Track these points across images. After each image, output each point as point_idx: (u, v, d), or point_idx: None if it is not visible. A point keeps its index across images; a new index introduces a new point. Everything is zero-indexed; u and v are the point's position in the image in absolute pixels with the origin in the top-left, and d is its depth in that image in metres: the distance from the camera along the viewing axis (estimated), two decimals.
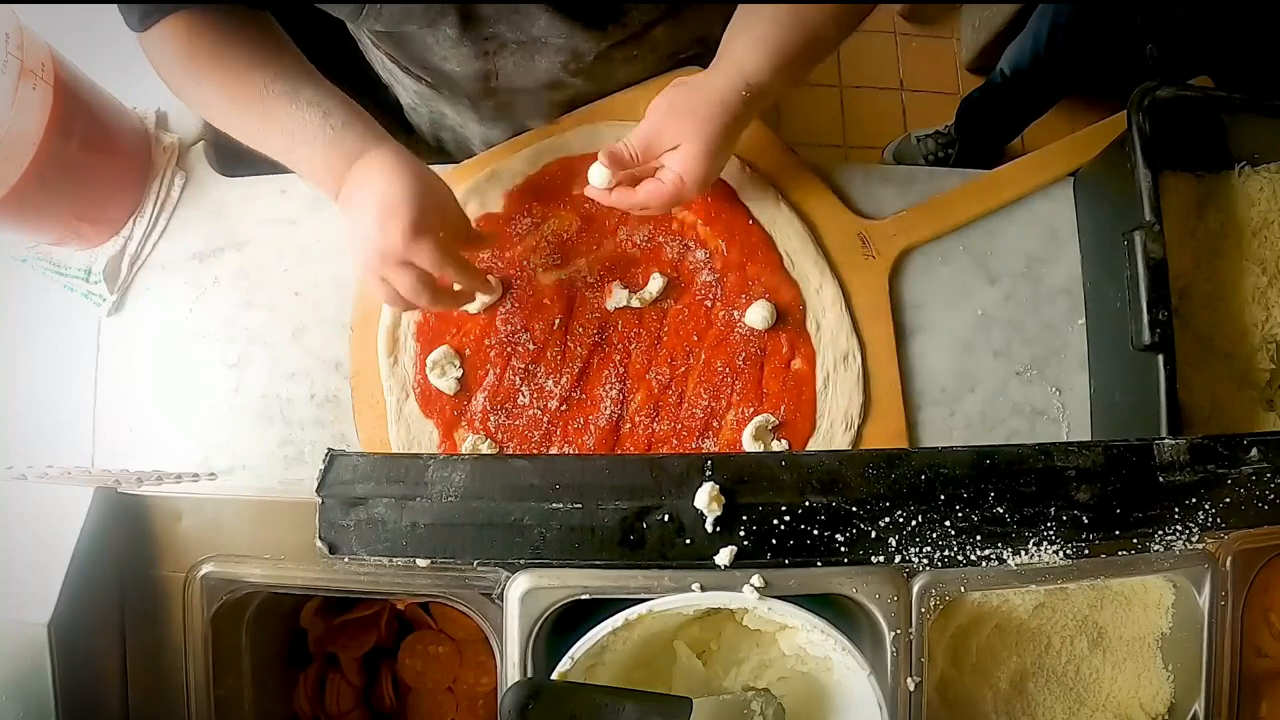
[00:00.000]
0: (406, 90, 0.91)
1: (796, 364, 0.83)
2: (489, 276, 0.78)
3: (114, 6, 0.73)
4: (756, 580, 0.57)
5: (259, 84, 0.69)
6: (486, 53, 0.77)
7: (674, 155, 0.71)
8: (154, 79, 0.90)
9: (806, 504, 0.57)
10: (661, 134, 0.72)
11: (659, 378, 0.83)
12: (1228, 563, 0.59)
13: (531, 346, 0.83)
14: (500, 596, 0.58)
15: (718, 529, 0.57)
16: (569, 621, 0.58)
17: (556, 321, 0.83)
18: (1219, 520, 0.59)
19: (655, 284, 0.83)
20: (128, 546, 0.60)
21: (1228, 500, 0.59)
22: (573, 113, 0.88)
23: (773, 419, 0.82)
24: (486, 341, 0.83)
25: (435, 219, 0.68)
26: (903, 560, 0.58)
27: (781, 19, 0.71)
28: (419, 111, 0.96)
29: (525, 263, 0.84)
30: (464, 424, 0.82)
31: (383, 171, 0.67)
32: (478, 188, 0.85)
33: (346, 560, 0.58)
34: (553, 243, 0.85)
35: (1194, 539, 0.59)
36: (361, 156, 0.69)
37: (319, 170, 0.70)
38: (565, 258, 0.84)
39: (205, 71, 0.70)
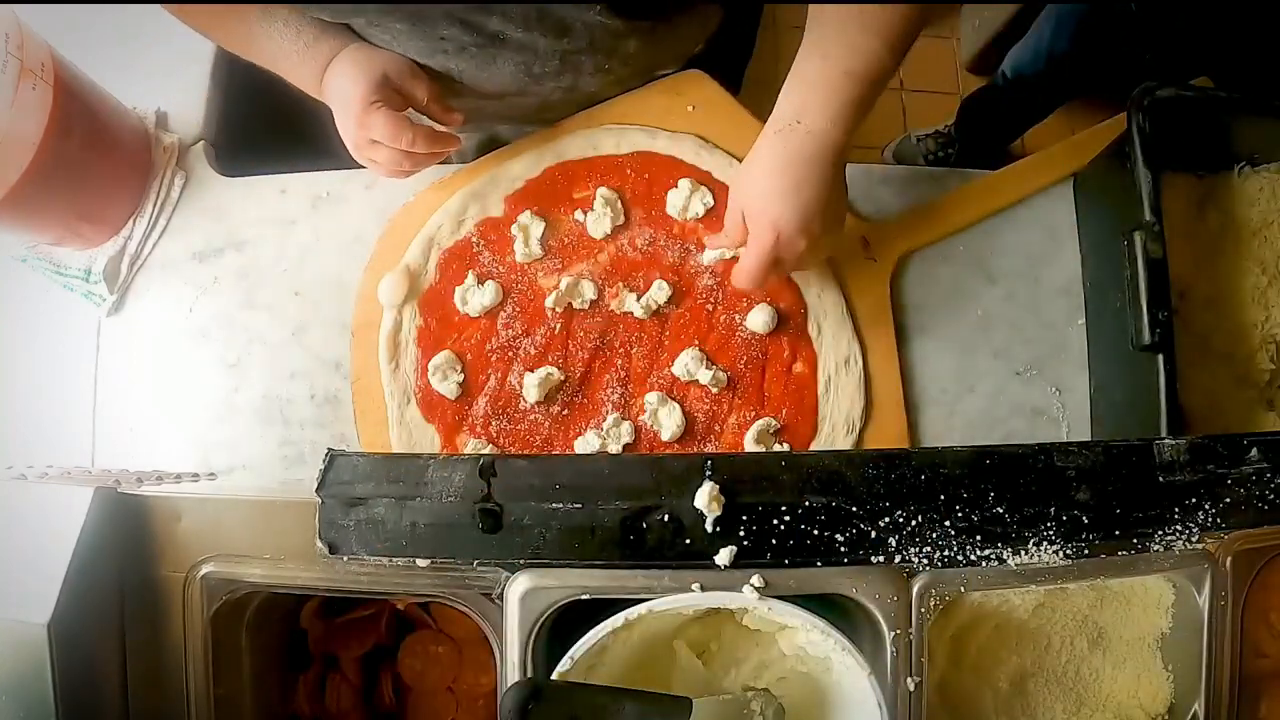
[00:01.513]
0: None
1: (798, 368, 0.83)
2: (450, 130, 0.81)
3: (114, 7, 0.73)
4: (756, 580, 0.57)
5: (240, 16, 0.77)
6: (445, 51, 0.77)
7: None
8: (154, 79, 0.90)
9: (806, 504, 0.57)
10: (736, 206, 0.74)
11: (660, 382, 0.83)
12: (1228, 563, 0.59)
13: (533, 351, 0.83)
14: (500, 596, 0.58)
15: (718, 529, 0.57)
16: (569, 621, 0.58)
17: (558, 326, 0.83)
18: (1219, 520, 0.59)
19: (661, 292, 0.83)
20: (128, 546, 0.60)
21: (1228, 500, 0.59)
22: (573, 117, 0.88)
23: (775, 423, 0.82)
24: (488, 346, 0.83)
25: (384, 97, 0.75)
26: (903, 560, 0.58)
27: (840, 57, 0.69)
28: None
29: (526, 268, 0.84)
30: (465, 428, 0.82)
31: (337, 72, 0.76)
32: (478, 191, 0.85)
33: (346, 560, 0.58)
34: (553, 247, 0.85)
35: (1194, 539, 0.59)
36: (329, 64, 0.77)
37: (304, 80, 0.79)
38: (565, 262, 0.84)
39: (196, 10, 0.78)
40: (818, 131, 0.69)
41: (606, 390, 0.83)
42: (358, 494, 0.58)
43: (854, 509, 0.58)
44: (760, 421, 0.81)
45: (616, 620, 0.56)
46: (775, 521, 0.57)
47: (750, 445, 0.81)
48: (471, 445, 0.82)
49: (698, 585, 0.57)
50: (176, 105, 0.91)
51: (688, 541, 0.57)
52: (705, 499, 0.57)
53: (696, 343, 0.83)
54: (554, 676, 0.56)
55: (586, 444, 0.81)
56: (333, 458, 0.59)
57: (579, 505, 0.58)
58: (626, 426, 0.81)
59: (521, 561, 0.58)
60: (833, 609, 0.58)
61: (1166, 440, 0.59)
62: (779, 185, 0.69)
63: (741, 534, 0.57)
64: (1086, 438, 0.84)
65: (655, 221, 0.85)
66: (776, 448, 0.81)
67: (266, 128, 0.90)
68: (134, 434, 0.86)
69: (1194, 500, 0.59)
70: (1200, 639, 0.60)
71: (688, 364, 0.81)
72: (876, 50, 0.68)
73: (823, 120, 0.69)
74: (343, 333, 0.85)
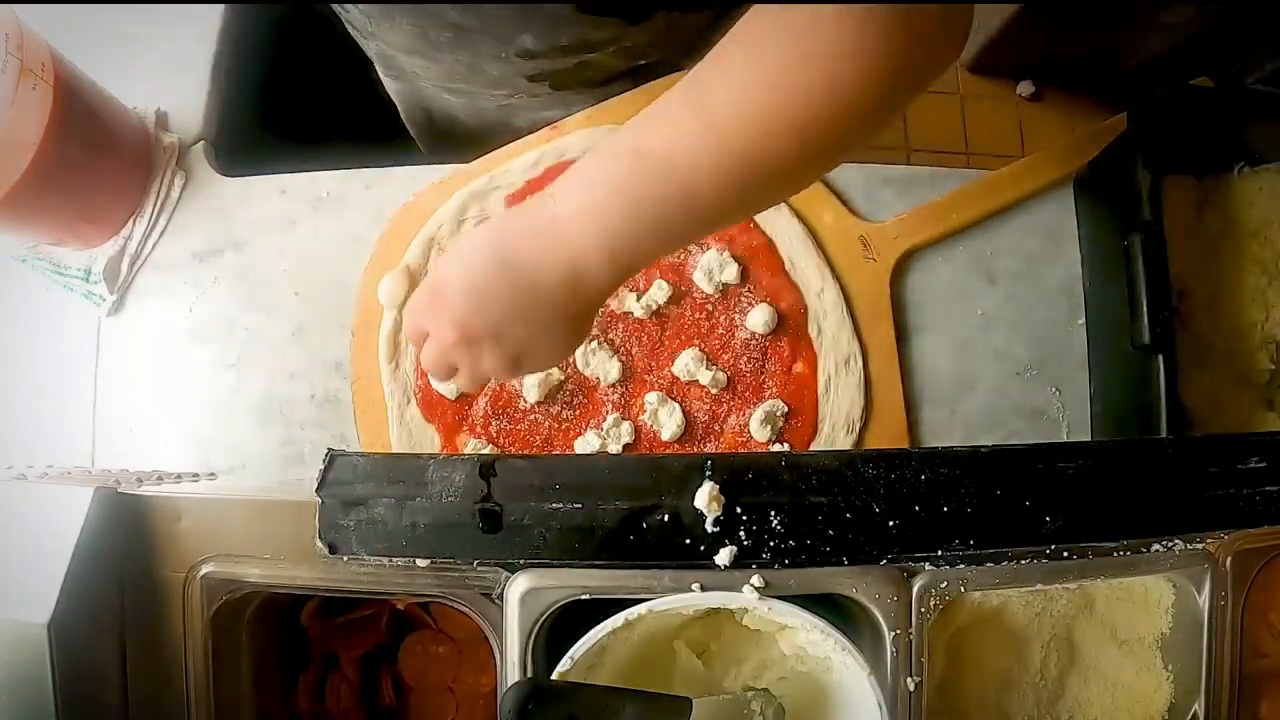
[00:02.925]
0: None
1: (798, 368, 0.83)
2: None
3: (113, 6, 0.73)
4: (756, 580, 0.57)
5: None
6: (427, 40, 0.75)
7: None
8: (154, 79, 0.90)
9: (806, 504, 0.57)
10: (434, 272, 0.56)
11: (660, 382, 0.83)
12: (1228, 563, 0.59)
13: None
14: (500, 596, 0.58)
15: (718, 529, 0.57)
16: (569, 621, 0.58)
17: None
18: (1219, 520, 0.59)
19: (661, 292, 0.83)
20: (128, 546, 0.60)
21: (1228, 500, 0.59)
22: (572, 116, 0.88)
23: (782, 405, 0.82)
24: None
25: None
26: (903, 560, 0.58)
27: (638, 125, 0.49)
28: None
29: None
30: (465, 429, 0.82)
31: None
32: (478, 191, 0.85)
33: (346, 560, 0.58)
34: None
35: (1194, 539, 0.59)
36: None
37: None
38: None
39: None
40: (559, 211, 0.49)
41: (606, 390, 0.83)
42: (358, 494, 0.58)
43: (854, 509, 0.58)
44: (766, 404, 0.81)
45: (616, 620, 0.56)
46: (775, 521, 0.57)
47: (756, 427, 0.80)
48: (471, 445, 0.82)
49: (698, 585, 0.57)
50: (176, 105, 0.91)
51: (688, 541, 0.57)
52: (705, 499, 0.57)
53: (696, 343, 0.83)
54: (554, 676, 0.56)
55: (586, 444, 0.81)
56: (333, 458, 0.59)
57: (579, 505, 0.58)
58: (626, 426, 0.81)
59: (521, 561, 0.58)
60: (833, 609, 0.58)
61: (1166, 440, 0.59)
62: (477, 277, 0.51)
63: (741, 534, 0.57)
64: (1086, 438, 0.84)
65: None
66: (776, 448, 0.81)
67: (266, 128, 0.90)
68: (134, 434, 0.86)
69: (1194, 500, 0.59)
70: (1200, 639, 0.60)
71: (688, 364, 0.81)
72: (698, 135, 0.46)
73: (572, 197, 0.49)
74: (343, 333, 0.85)
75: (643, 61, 0.85)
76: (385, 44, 0.83)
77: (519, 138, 0.89)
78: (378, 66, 0.90)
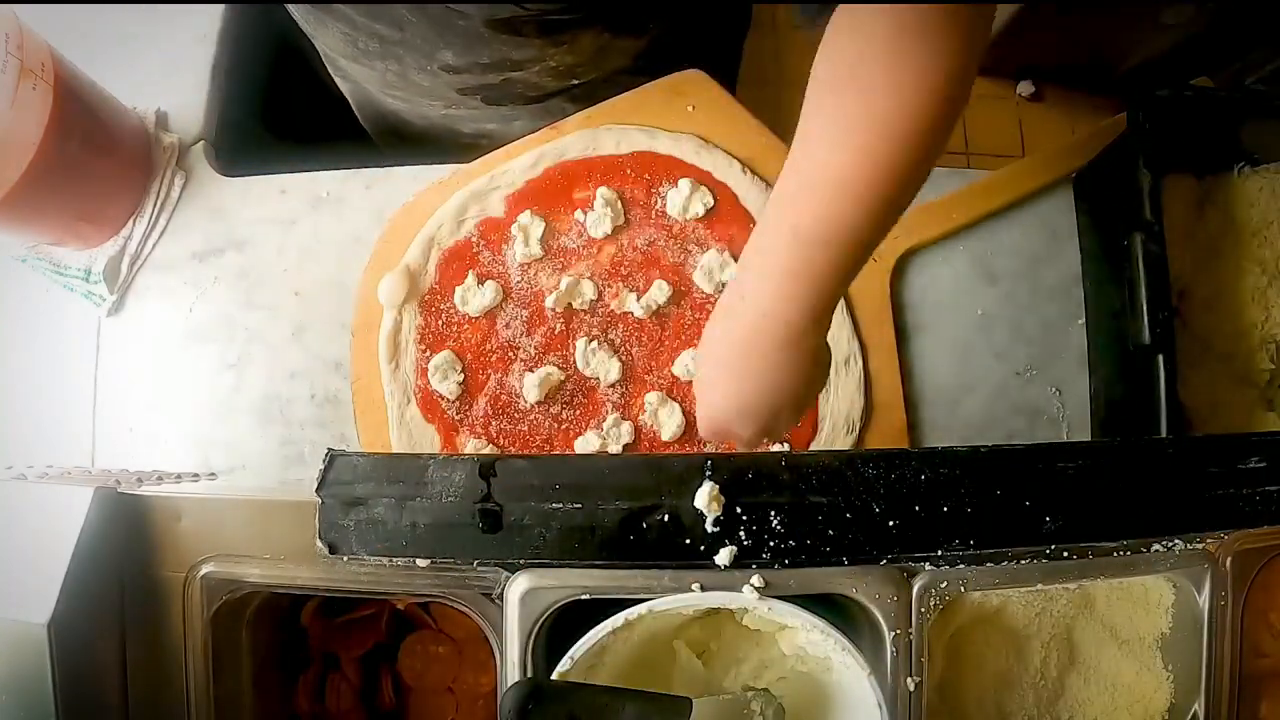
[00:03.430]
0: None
1: None
2: None
3: (113, 6, 0.73)
4: (756, 580, 0.56)
5: None
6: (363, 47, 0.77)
7: None
8: (154, 79, 0.90)
9: (806, 504, 0.57)
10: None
11: (660, 382, 0.83)
12: (1228, 563, 0.59)
13: (533, 351, 0.83)
14: (500, 596, 0.58)
15: (718, 529, 0.57)
16: (569, 621, 0.58)
17: (558, 326, 0.83)
18: (1219, 520, 0.59)
19: (661, 292, 0.83)
20: (128, 546, 0.60)
21: (1228, 500, 0.59)
22: (571, 117, 0.88)
23: None
24: (487, 346, 0.83)
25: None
26: (903, 560, 0.58)
27: (786, 209, 0.56)
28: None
29: (526, 268, 0.84)
30: (465, 429, 0.82)
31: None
32: (478, 191, 0.85)
33: (346, 560, 0.58)
34: (553, 247, 0.85)
35: (1194, 539, 0.59)
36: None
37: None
38: (565, 262, 0.84)
39: None
40: (758, 305, 0.57)
41: (606, 390, 0.83)
42: (358, 494, 0.58)
43: (854, 509, 0.58)
44: None
45: (616, 620, 0.56)
46: (775, 521, 0.57)
47: None
48: (471, 445, 0.82)
49: (698, 585, 0.57)
50: (176, 105, 0.91)
51: (688, 541, 0.57)
52: (705, 499, 0.57)
53: (697, 343, 0.83)
54: (554, 676, 0.56)
55: (586, 444, 0.81)
56: (333, 458, 0.59)
57: (579, 505, 0.58)
58: (626, 426, 0.81)
59: (521, 561, 0.58)
60: (833, 609, 0.58)
61: (1166, 440, 0.59)
62: (715, 376, 0.60)
63: (741, 534, 0.57)
64: (1086, 438, 0.84)
65: (655, 221, 0.85)
66: (776, 448, 0.81)
67: (266, 128, 0.90)
68: (134, 434, 0.86)
69: (1194, 500, 0.59)
70: (1200, 639, 0.60)
71: (688, 364, 0.81)
72: (832, 202, 0.53)
73: (763, 290, 0.56)
74: (343, 333, 0.85)
75: (576, 82, 0.85)
76: (326, 46, 0.83)
77: (465, 142, 0.89)
78: (327, 66, 0.91)
